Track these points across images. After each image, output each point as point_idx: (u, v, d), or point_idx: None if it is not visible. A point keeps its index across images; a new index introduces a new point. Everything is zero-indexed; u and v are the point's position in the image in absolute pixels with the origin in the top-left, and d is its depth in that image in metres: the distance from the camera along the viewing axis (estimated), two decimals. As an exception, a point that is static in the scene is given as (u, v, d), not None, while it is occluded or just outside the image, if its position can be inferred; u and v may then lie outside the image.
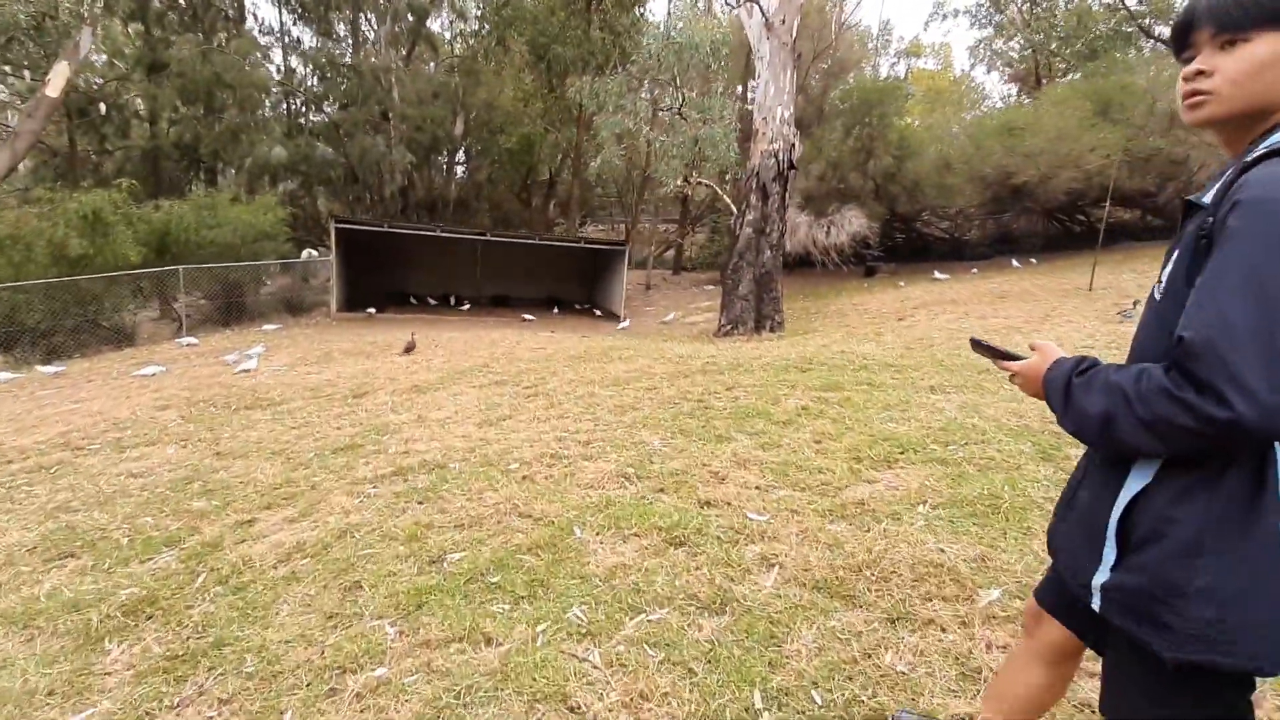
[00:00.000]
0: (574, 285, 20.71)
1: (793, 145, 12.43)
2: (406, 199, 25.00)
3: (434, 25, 24.83)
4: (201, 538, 3.41)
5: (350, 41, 23.71)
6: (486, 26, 21.22)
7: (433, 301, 19.09)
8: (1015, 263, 18.94)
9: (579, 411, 5.59)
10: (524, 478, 3.94)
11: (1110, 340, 7.93)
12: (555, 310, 18.19)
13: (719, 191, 13.05)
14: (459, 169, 28.86)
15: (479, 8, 22.22)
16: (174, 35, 18.87)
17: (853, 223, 17.28)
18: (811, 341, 10.34)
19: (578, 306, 19.19)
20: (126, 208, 12.68)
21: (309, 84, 24.01)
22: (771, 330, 12.46)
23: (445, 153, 25.89)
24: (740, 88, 19.55)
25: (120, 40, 22.44)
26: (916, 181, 19.20)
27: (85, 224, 11.67)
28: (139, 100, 22.21)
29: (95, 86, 21.43)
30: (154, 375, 9.11)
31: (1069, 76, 24.22)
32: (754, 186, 12.39)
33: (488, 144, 25.75)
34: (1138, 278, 13.58)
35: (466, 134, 24.61)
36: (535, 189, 29.04)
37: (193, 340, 11.60)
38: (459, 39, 25.03)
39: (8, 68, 12.66)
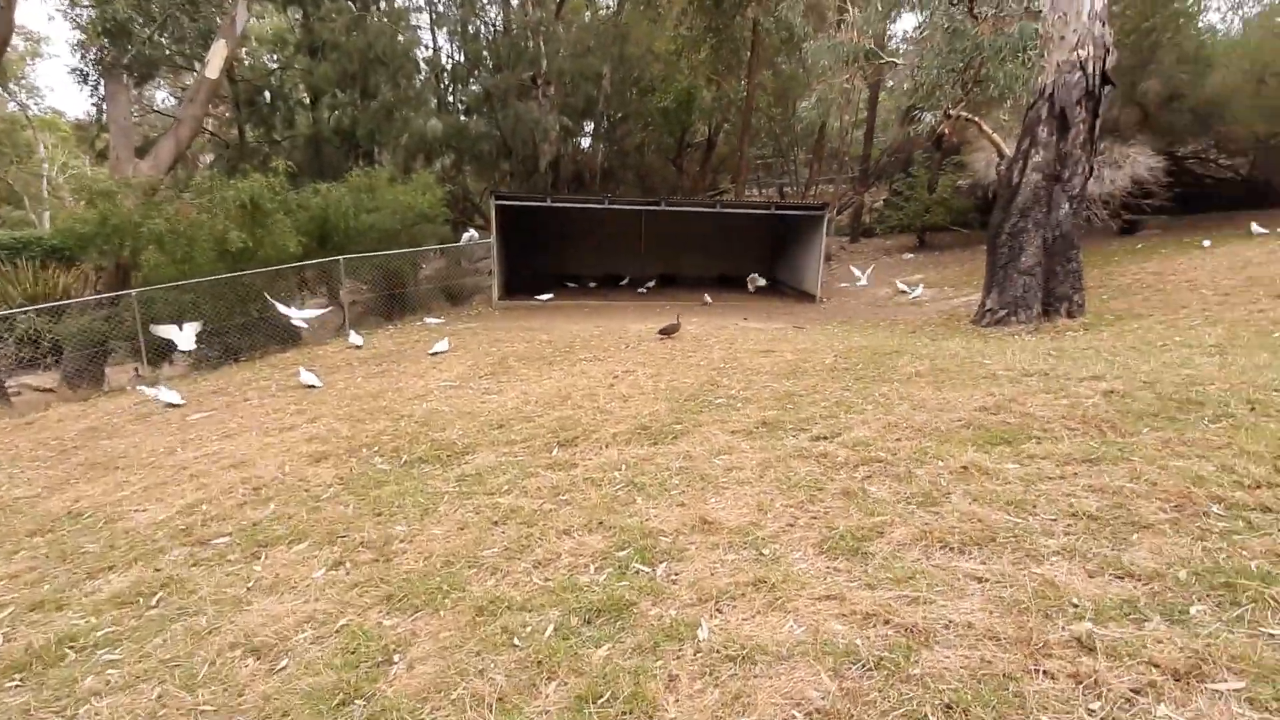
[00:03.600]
0: (750, 260, 17.87)
1: (1107, 50, 8.71)
2: (557, 172, 23.33)
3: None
4: None
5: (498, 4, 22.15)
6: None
7: (593, 284, 17.13)
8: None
9: (1017, 534, 2.90)
10: None
11: None
12: (750, 290, 15.40)
13: (982, 127, 9.60)
14: (604, 137, 26.81)
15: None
16: (330, 15, 18.14)
17: (1136, 163, 12.87)
18: (1186, 339, 6.88)
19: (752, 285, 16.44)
20: (284, 194, 11.63)
21: (456, 58, 22.88)
22: (1069, 315, 8.99)
23: (595, 118, 23.84)
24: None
25: (282, 28, 22.51)
26: (1216, 103, 14.19)
27: (244, 214, 10.67)
28: (301, 88, 22.22)
29: (262, 73, 21.60)
30: (313, 390, 7.63)
31: None
32: (1045, 114, 8.84)
33: (638, 106, 23.34)
34: None
35: (614, 95, 22.38)
36: (689, 153, 26.30)
37: (357, 341, 10.30)
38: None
39: (172, 50, 12.12)
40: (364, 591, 3.02)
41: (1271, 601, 2.24)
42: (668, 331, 9.08)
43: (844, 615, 2.43)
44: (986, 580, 2.56)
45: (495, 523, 3.62)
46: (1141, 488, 3.12)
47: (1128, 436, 3.78)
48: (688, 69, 19.92)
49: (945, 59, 8.21)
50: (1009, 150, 9.39)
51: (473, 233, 15.92)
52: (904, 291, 13.64)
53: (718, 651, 2.31)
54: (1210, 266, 10.71)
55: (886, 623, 2.35)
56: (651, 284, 16.47)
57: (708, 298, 13.76)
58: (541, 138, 18.77)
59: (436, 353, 8.96)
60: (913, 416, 4.55)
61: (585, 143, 26.69)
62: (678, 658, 2.31)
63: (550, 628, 2.55)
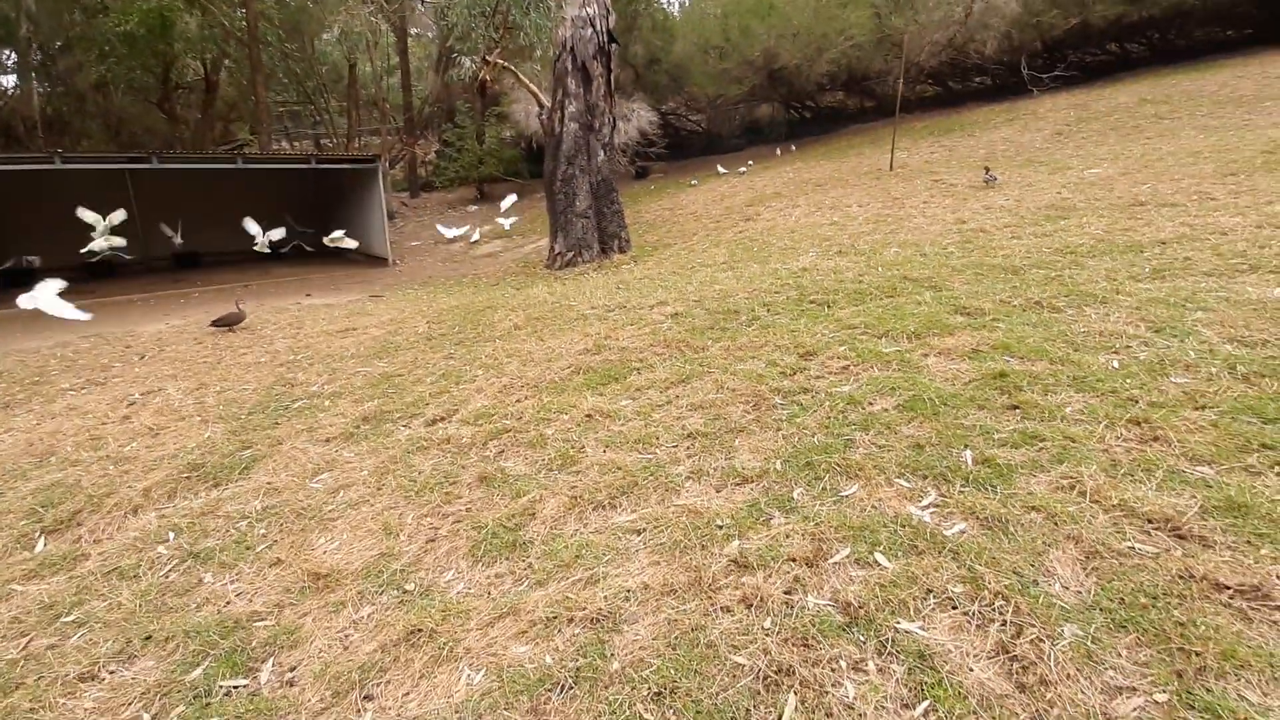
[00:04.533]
0: (299, 224, 15.29)
1: (608, 11, 9.79)
2: (-49, 119, 15.68)
3: None
4: None
5: None
6: None
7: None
8: (778, 151, 19.19)
9: (652, 471, 2.96)
10: None
11: (1008, 207, 7.52)
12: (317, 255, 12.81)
13: (520, 77, 9.82)
14: (41, 73, 19.02)
15: None
16: None
17: (640, 116, 15.31)
18: (705, 261, 8.47)
19: (308, 250, 14.19)
20: None
21: None
22: (620, 251, 10.25)
23: (17, 44, 16.64)
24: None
25: None
26: (683, 68, 17.83)
27: None
28: None
29: None
30: None
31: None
32: (570, 66, 9.56)
33: (85, 30, 17.15)
34: (907, 155, 14.28)
35: (45, 13, 15.94)
36: (182, 96, 20.82)
37: None
38: None
39: None
40: None
41: (836, 467, 2.74)
42: (227, 322, 7.03)
43: (524, 633, 2.07)
44: (644, 530, 2.52)
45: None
46: (726, 396, 3.55)
47: (701, 351, 4.32)
48: (153, -18, 15.32)
49: (473, 2, 8.03)
50: (547, 100, 9.94)
51: None
52: (473, 241, 13.63)
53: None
54: (702, 200, 13.60)
55: (570, 621, 2.08)
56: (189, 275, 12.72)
57: (288, 278, 11.24)
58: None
59: None
60: (525, 373, 4.40)
61: (9, 81, 18.76)
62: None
63: None
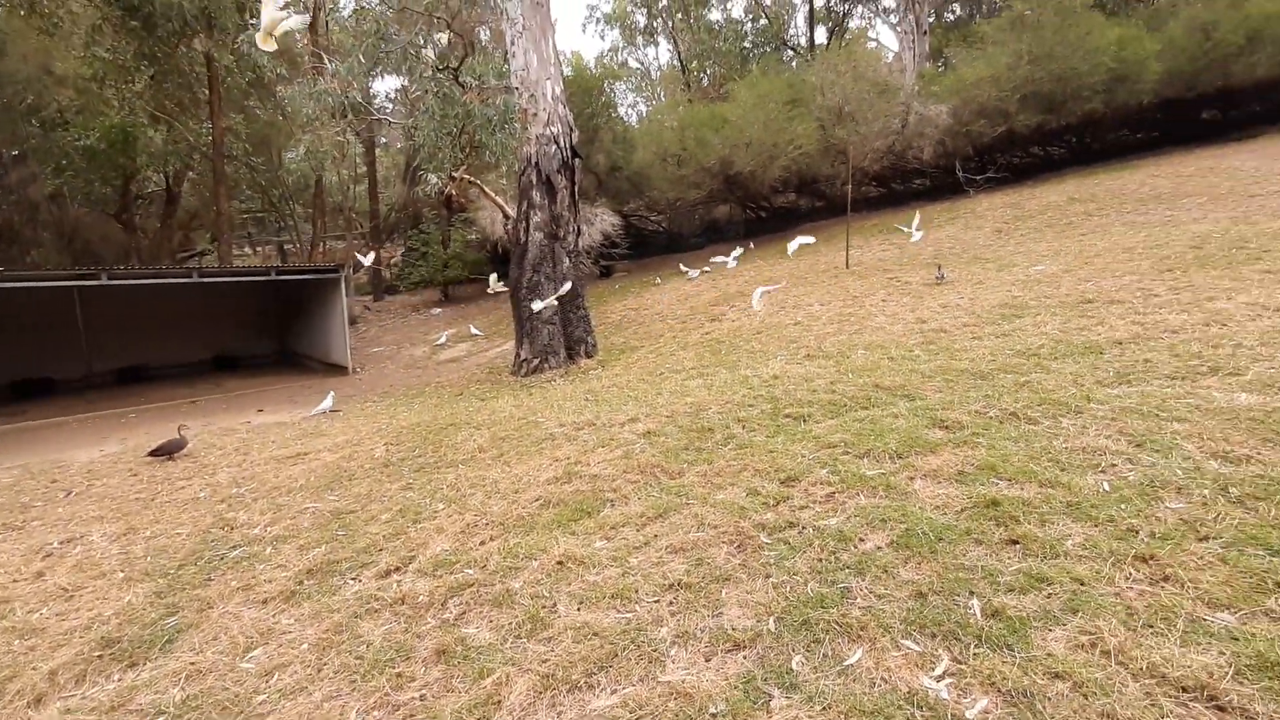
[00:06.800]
0: (255, 334, 14.96)
1: (571, 129, 10.19)
2: (-108, 233, 15.21)
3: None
4: None
5: None
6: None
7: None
8: (738, 248, 19.84)
9: (633, 637, 2.66)
10: None
11: (963, 305, 7.71)
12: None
13: (485, 191, 10.06)
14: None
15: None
16: None
17: (603, 220, 15.78)
18: (674, 366, 8.40)
19: (260, 362, 13.77)
20: None
21: None
22: (588, 356, 10.16)
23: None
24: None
25: None
26: (643, 174, 18.63)
27: None
28: None
29: None
30: None
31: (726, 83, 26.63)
32: (535, 180, 9.81)
33: (42, 143, 17.17)
34: (860, 253, 14.90)
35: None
36: (142, 206, 20.75)
37: None
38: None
39: None
40: None
41: (835, 626, 2.49)
42: (167, 450, 6.52)
43: None
44: (628, 722, 2.20)
45: None
46: (708, 534, 3.31)
47: (676, 478, 4.10)
48: (119, 101, 15.58)
49: (440, 123, 8.31)
50: (511, 211, 10.12)
51: None
52: (437, 344, 13.46)
53: None
54: (667, 300, 13.79)
55: None
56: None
57: (252, 398, 10.76)
58: None
59: None
60: (489, 507, 4.10)
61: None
62: None
63: None
